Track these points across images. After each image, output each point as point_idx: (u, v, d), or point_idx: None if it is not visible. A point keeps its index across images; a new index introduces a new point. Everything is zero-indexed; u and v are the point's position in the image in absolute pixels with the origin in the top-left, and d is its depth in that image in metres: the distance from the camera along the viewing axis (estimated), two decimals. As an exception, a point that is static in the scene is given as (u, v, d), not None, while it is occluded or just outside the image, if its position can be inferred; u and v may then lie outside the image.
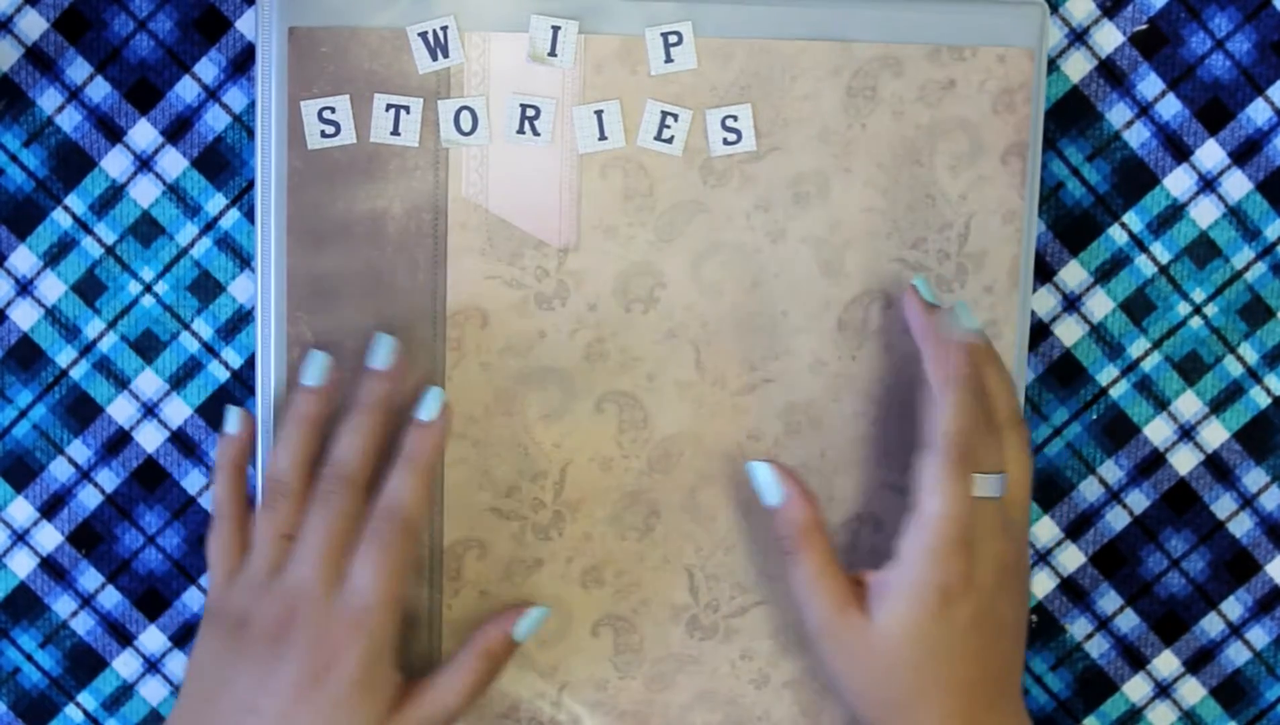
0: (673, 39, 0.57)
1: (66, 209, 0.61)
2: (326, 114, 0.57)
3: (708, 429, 0.60)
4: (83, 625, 0.64)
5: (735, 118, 0.58)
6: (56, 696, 0.64)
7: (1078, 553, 0.65)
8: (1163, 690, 0.66)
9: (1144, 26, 0.61)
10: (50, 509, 0.63)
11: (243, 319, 0.62)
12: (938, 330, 0.57)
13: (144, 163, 0.61)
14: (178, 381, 0.62)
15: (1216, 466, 0.64)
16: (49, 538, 0.63)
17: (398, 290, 0.58)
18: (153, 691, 0.64)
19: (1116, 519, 0.64)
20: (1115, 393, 0.63)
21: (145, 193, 0.61)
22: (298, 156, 0.57)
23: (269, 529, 0.55)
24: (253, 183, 0.61)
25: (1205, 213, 0.62)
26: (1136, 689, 0.66)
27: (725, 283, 0.59)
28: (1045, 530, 0.64)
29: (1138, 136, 0.62)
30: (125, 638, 0.64)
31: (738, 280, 0.59)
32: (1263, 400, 0.64)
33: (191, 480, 0.63)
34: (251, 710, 0.54)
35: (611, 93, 0.57)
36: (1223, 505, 0.64)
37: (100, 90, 0.60)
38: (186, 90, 0.60)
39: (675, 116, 0.58)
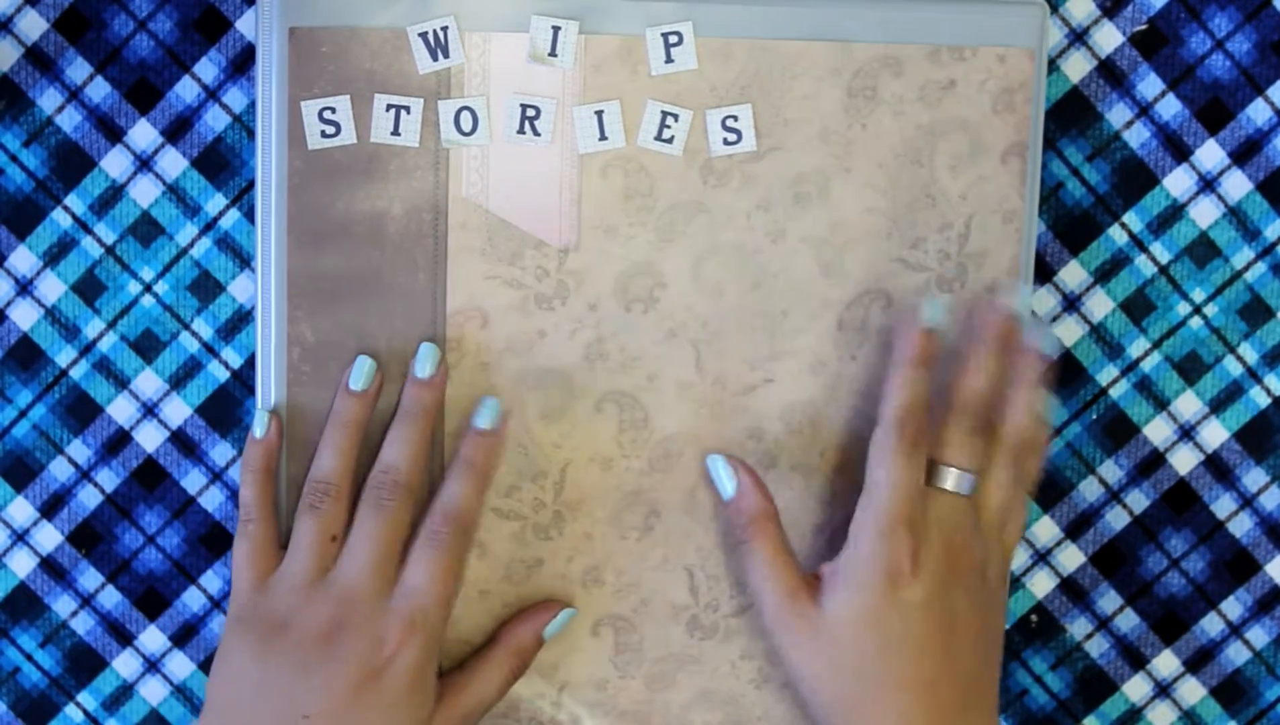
0: (673, 39, 0.57)
1: (66, 209, 0.61)
2: (327, 114, 0.57)
3: (708, 429, 0.60)
4: (83, 625, 0.64)
5: (735, 118, 0.58)
6: (56, 696, 0.64)
7: (1078, 553, 0.65)
8: (1163, 690, 0.66)
9: (1144, 26, 0.61)
10: (50, 509, 0.63)
11: (243, 319, 0.62)
12: (909, 314, 0.58)
13: (144, 163, 0.61)
14: (178, 381, 0.62)
15: (1216, 466, 0.64)
16: (49, 538, 0.63)
17: (398, 290, 0.58)
18: (153, 691, 0.64)
19: (1116, 519, 0.64)
20: (1115, 393, 0.64)
21: (145, 193, 0.61)
22: (298, 156, 0.57)
23: (315, 530, 0.56)
24: (253, 183, 0.61)
25: (1205, 213, 0.62)
26: (1136, 689, 0.66)
27: (725, 283, 0.59)
28: (1045, 530, 0.64)
29: (1138, 136, 0.62)
30: (125, 638, 0.64)
31: (738, 280, 0.59)
32: (1263, 400, 0.64)
33: (191, 480, 0.63)
34: (301, 714, 0.54)
35: (612, 93, 0.57)
36: (1223, 505, 0.64)
37: (100, 90, 0.60)
38: (186, 90, 0.60)
39: (675, 116, 0.58)
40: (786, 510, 0.59)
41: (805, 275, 0.59)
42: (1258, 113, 0.62)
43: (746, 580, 0.58)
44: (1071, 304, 0.63)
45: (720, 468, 0.59)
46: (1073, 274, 0.63)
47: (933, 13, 0.58)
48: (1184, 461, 0.64)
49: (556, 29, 0.57)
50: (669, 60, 0.57)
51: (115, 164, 0.61)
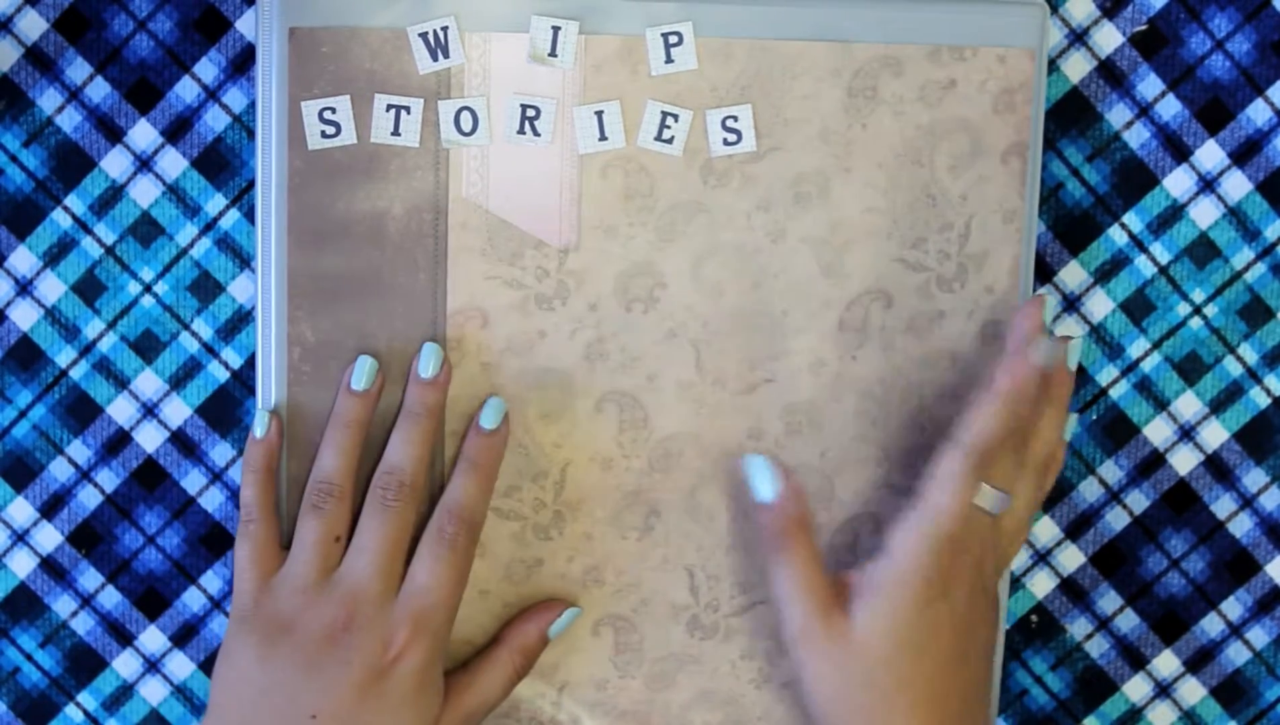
0: (673, 39, 0.57)
1: (66, 209, 0.61)
2: (327, 114, 0.56)
3: (708, 429, 0.60)
4: (83, 625, 0.64)
5: (735, 118, 0.58)
6: (56, 696, 0.64)
7: (1078, 553, 0.65)
8: (1163, 690, 0.66)
9: (1144, 27, 0.61)
10: (50, 509, 0.63)
11: (243, 319, 0.62)
12: (1026, 345, 0.56)
13: (144, 163, 0.61)
14: (178, 381, 0.62)
15: (1216, 466, 0.64)
16: (49, 538, 0.63)
17: (398, 290, 0.58)
18: (153, 691, 0.64)
19: (1116, 519, 0.64)
20: (1115, 393, 0.64)
21: (145, 193, 0.61)
22: (298, 157, 0.57)
23: (318, 531, 0.56)
24: (253, 183, 0.61)
25: (1205, 213, 0.62)
26: (1136, 689, 0.66)
27: (725, 283, 0.59)
28: (1045, 530, 0.65)
29: (1137, 137, 0.62)
30: (125, 638, 0.64)
31: (738, 280, 0.59)
32: (1262, 400, 0.64)
33: (191, 480, 0.63)
34: (308, 714, 0.54)
35: (612, 93, 0.57)
36: (1223, 505, 0.64)
37: (100, 90, 0.60)
38: (186, 90, 0.60)
39: (675, 117, 0.58)
40: (787, 510, 0.59)
41: (805, 275, 0.59)
42: (1258, 113, 0.62)
43: (772, 588, 0.56)
44: (1071, 304, 0.63)
45: (764, 469, 0.57)
46: (1073, 274, 0.63)
47: (933, 13, 0.58)
48: (1184, 462, 0.64)
49: (556, 29, 0.57)
50: (669, 60, 0.57)
51: (115, 164, 0.61)
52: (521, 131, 0.57)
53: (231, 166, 0.61)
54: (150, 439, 0.62)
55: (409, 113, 0.57)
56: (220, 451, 0.62)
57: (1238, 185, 0.62)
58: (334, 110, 0.56)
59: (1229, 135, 0.62)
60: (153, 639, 0.64)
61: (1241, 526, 0.64)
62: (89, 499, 0.63)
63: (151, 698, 0.64)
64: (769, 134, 0.58)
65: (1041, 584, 0.65)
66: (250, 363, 0.62)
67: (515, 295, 0.58)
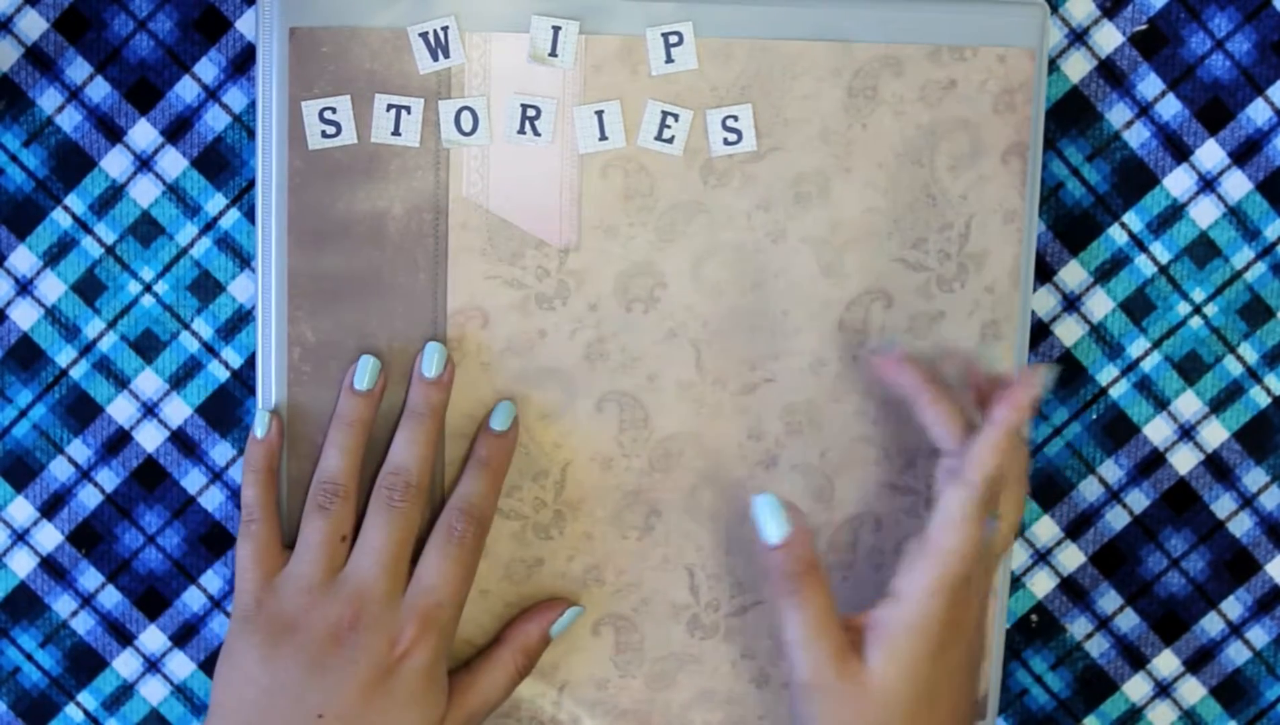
0: (673, 39, 0.57)
1: (66, 209, 0.61)
2: (327, 114, 0.56)
3: (708, 429, 0.60)
4: (83, 625, 0.64)
5: (736, 118, 0.58)
6: (56, 696, 0.64)
7: (1078, 552, 0.65)
8: (1163, 690, 0.66)
9: (1144, 26, 0.61)
10: (50, 509, 0.63)
11: (243, 319, 0.62)
12: (1026, 379, 0.55)
13: (144, 163, 0.61)
14: (178, 381, 0.62)
15: (1216, 466, 0.64)
16: (49, 537, 0.63)
17: (398, 290, 0.58)
18: (153, 691, 0.64)
19: (1116, 519, 0.64)
20: (1115, 393, 0.64)
21: (145, 193, 0.61)
22: (298, 156, 0.57)
23: (323, 530, 0.56)
24: (253, 183, 0.61)
25: (1205, 213, 0.62)
26: (1136, 689, 0.66)
27: (726, 283, 0.59)
28: (1045, 530, 0.65)
29: (1138, 136, 0.62)
30: (125, 637, 0.64)
31: (738, 280, 0.59)
32: (1263, 400, 0.64)
33: (191, 480, 0.63)
34: (314, 714, 0.54)
35: (612, 93, 0.57)
36: (1223, 505, 0.64)
37: (100, 90, 0.60)
38: (186, 90, 0.60)
39: (676, 116, 0.58)
40: (787, 510, 0.59)
41: (805, 275, 0.59)
42: (1258, 113, 0.62)
43: (783, 631, 0.54)
44: (1071, 304, 0.63)
45: (773, 510, 0.55)
46: (1073, 274, 0.63)
47: (933, 13, 0.58)
48: (1184, 461, 0.64)
49: (557, 29, 0.57)
50: (669, 60, 0.57)
51: (115, 164, 0.61)
52: (522, 131, 0.57)
53: (231, 166, 0.61)
54: (150, 439, 0.62)
55: (409, 112, 0.57)
56: (220, 451, 0.62)
57: (1238, 185, 0.62)
58: (334, 110, 0.56)
59: (1229, 135, 0.62)
60: (153, 639, 0.64)
61: (1241, 526, 0.64)
62: (89, 499, 0.63)
63: (151, 697, 0.64)
64: (769, 134, 0.58)
65: (1041, 584, 0.65)
66: (250, 362, 0.62)
67: (515, 295, 0.58)
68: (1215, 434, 0.64)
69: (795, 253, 0.59)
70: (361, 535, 0.56)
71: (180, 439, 0.62)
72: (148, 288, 0.61)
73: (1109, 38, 0.61)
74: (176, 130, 0.61)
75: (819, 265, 0.59)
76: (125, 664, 0.64)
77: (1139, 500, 0.64)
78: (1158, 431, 0.64)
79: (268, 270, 0.57)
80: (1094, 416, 0.64)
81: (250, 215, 0.61)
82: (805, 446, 0.60)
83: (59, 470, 0.62)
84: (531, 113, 0.57)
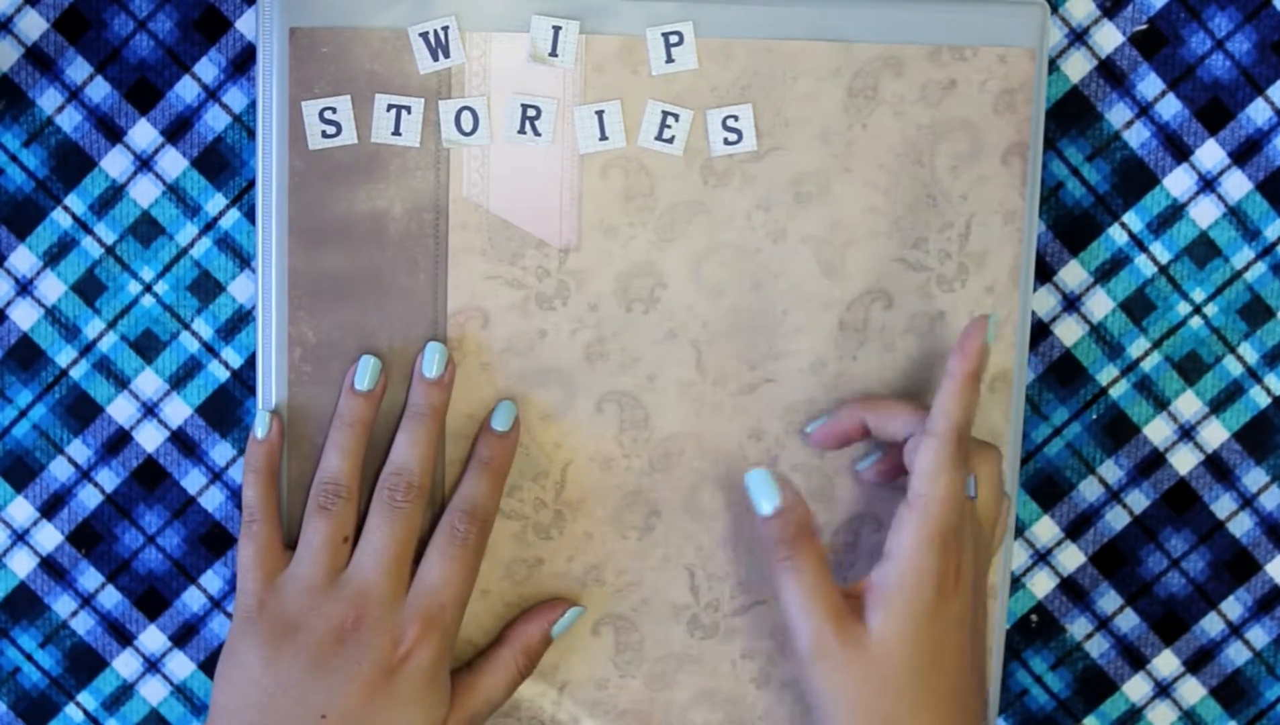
0: (673, 39, 0.57)
1: (66, 209, 0.61)
2: (328, 114, 0.56)
3: (708, 429, 0.60)
4: (83, 625, 0.64)
5: (736, 118, 0.58)
6: (56, 696, 0.64)
7: (1078, 553, 0.65)
8: (1163, 690, 0.66)
9: (1144, 26, 0.61)
10: (50, 509, 0.63)
11: (243, 319, 0.62)
12: (972, 328, 0.56)
13: (144, 163, 0.61)
14: (178, 381, 0.62)
15: (1216, 466, 0.64)
16: (49, 538, 0.63)
17: (398, 290, 0.58)
18: (153, 691, 0.64)
19: (1116, 519, 0.64)
20: (1115, 393, 0.64)
21: (145, 193, 0.61)
22: (299, 156, 0.57)
23: (325, 531, 0.56)
24: (253, 183, 0.61)
25: (1205, 213, 0.62)
26: (1136, 689, 0.66)
27: (726, 283, 0.59)
28: (1045, 530, 0.65)
29: (1138, 136, 0.62)
30: (125, 637, 0.64)
31: (738, 280, 0.59)
32: (1263, 400, 0.64)
33: (191, 480, 0.63)
34: (318, 714, 0.54)
35: (612, 93, 0.57)
36: (1223, 505, 0.64)
37: (100, 90, 0.60)
38: (186, 90, 0.60)
39: (676, 116, 0.58)
40: (787, 510, 0.59)
41: (806, 275, 0.59)
42: (1258, 113, 0.62)
43: (780, 600, 0.55)
44: (1071, 304, 0.63)
45: (765, 481, 0.56)
46: (1073, 274, 0.63)
47: (933, 13, 0.58)
48: (1184, 461, 0.64)
49: (557, 29, 0.57)
50: (670, 60, 0.57)
51: (115, 164, 0.61)
52: (522, 131, 0.57)
53: (231, 166, 0.61)
54: (150, 439, 0.62)
55: (409, 112, 0.57)
56: (220, 451, 0.62)
57: (1238, 185, 0.62)
58: (334, 110, 0.56)
59: (1229, 135, 0.62)
60: (153, 639, 0.64)
61: (1241, 526, 0.64)
62: (89, 499, 0.63)
63: (151, 698, 0.64)
64: (769, 134, 0.58)
65: (1041, 584, 0.65)
66: (250, 363, 0.62)
67: (516, 295, 0.58)
68: (1215, 434, 0.64)
69: (795, 253, 0.59)
70: (363, 536, 0.56)
71: (180, 439, 0.62)
72: (148, 288, 0.61)
73: (1109, 38, 0.61)
74: (176, 130, 0.61)
75: (819, 265, 0.59)
76: (125, 664, 0.64)
77: (1139, 500, 0.64)
78: (1158, 431, 0.64)
79: (268, 270, 0.57)
80: (1094, 416, 0.64)
81: (250, 215, 0.61)
82: (805, 446, 0.60)
83: (59, 470, 0.62)
84: (532, 113, 0.57)
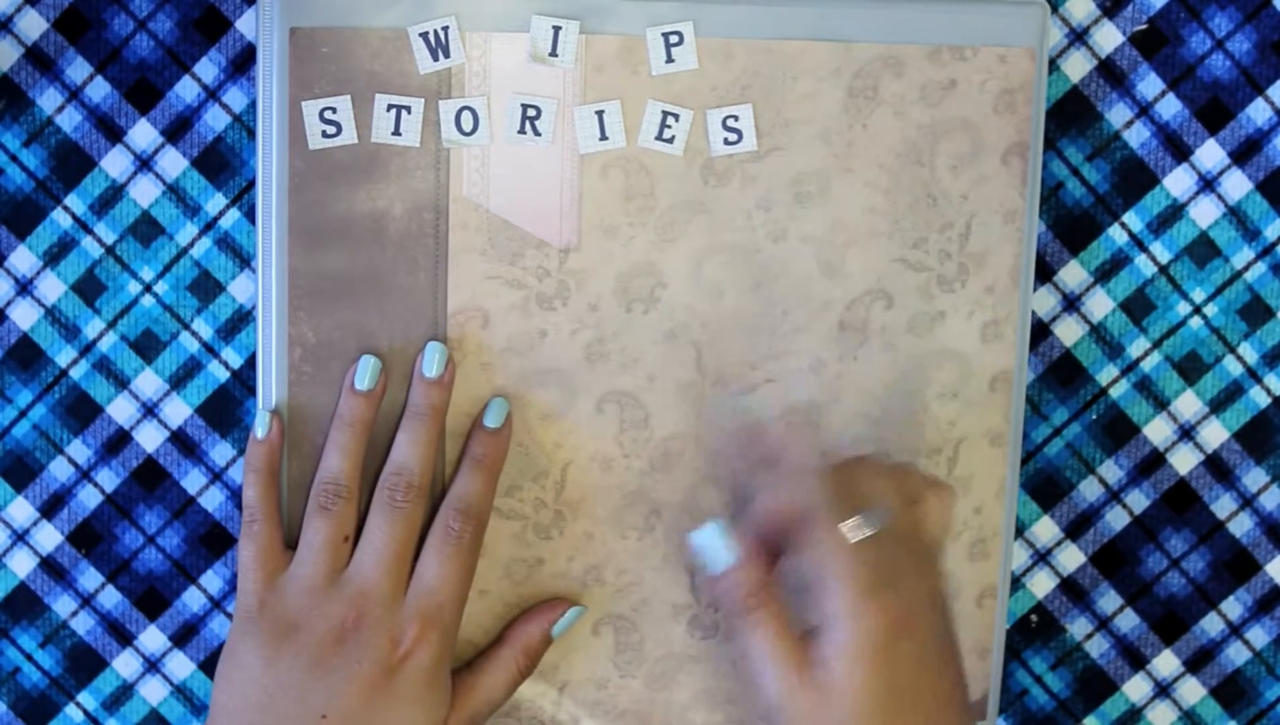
0: (674, 39, 0.57)
1: (66, 209, 0.61)
2: (328, 114, 0.56)
3: (708, 429, 0.60)
4: (83, 625, 0.64)
5: (736, 118, 0.58)
6: (56, 696, 0.64)
7: (1078, 553, 0.65)
8: (1163, 690, 0.66)
9: (1144, 26, 0.61)
10: (50, 509, 0.63)
11: (243, 319, 0.62)
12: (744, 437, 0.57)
13: (144, 163, 0.61)
14: (178, 381, 0.62)
15: (1216, 466, 0.64)
16: (49, 538, 0.63)
17: (399, 290, 0.58)
18: (153, 691, 0.64)
19: (1116, 519, 0.64)
20: (1115, 393, 0.64)
21: (145, 193, 0.61)
22: (299, 156, 0.57)
23: (326, 531, 0.56)
24: (253, 183, 0.61)
25: (1205, 213, 0.62)
26: (1136, 689, 0.66)
27: (726, 283, 0.59)
28: (1045, 530, 0.65)
29: (1138, 136, 0.62)
30: (125, 637, 0.64)
31: (738, 280, 0.59)
32: (1263, 400, 0.64)
33: (191, 480, 0.63)
34: (318, 714, 0.54)
35: (612, 93, 0.57)
36: (1223, 505, 0.64)
37: (100, 90, 0.60)
38: (186, 90, 0.60)
39: (676, 116, 0.58)
40: (787, 510, 0.59)
41: (806, 275, 0.59)
42: (1258, 113, 0.62)
43: (744, 655, 0.54)
44: (1071, 304, 0.63)
45: (721, 536, 0.54)
46: (1073, 274, 0.63)
47: (933, 13, 0.58)
48: (1184, 461, 0.64)
49: (557, 29, 0.57)
50: (670, 60, 0.57)
51: (115, 164, 0.61)
52: (522, 131, 0.57)
53: (231, 166, 0.61)
54: (150, 439, 0.62)
55: (410, 112, 0.57)
56: (220, 451, 0.62)
57: (1238, 185, 0.62)
58: (334, 110, 0.56)
59: (1229, 135, 0.62)
60: (153, 639, 0.64)
61: (1241, 526, 0.64)
62: (89, 499, 0.63)
63: (151, 698, 0.64)
64: (770, 134, 0.58)
65: (1041, 584, 0.65)
66: (250, 363, 0.62)
67: (516, 295, 0.58)
68: (1215, 434, 0.64)
69: (795, 253, 0.59)
70: (364, 536, 0.56)
71: (180, 439, 0.62)
72: (148, 288, 0.61)
73: (1109, 37, 0.61)
74: (176, 130, 0.61)
75: (819, 265, 0.59)
76: (125, 664, 0.64)
77: (1139, 500, 0.64)
78: (1158, 431, 0.64)
79: (268, 270, 0.57)
80: (1094, 416, 0.64)
81: (250, 215, 0.61)
82: (805, 447, 0.60)
83: (59, 470, 0.62)
84: (532, 113, 0.57)
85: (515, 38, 0.57)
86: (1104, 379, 0.63)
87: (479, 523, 0.57)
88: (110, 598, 0.63)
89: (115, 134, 0.60)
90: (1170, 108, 0.62)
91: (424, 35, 0.56)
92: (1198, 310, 0.63)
